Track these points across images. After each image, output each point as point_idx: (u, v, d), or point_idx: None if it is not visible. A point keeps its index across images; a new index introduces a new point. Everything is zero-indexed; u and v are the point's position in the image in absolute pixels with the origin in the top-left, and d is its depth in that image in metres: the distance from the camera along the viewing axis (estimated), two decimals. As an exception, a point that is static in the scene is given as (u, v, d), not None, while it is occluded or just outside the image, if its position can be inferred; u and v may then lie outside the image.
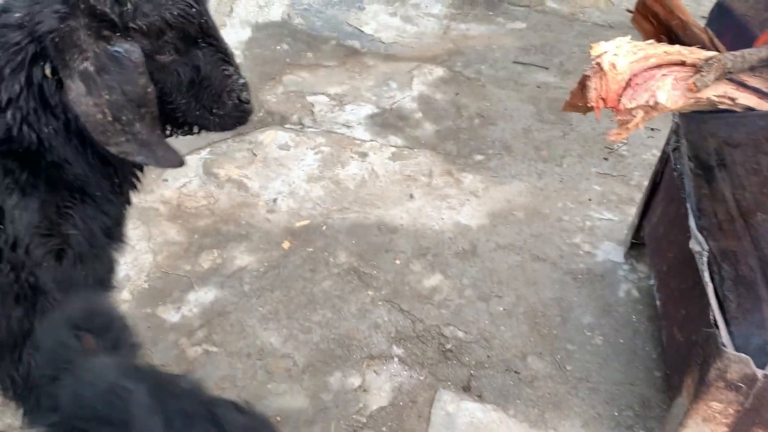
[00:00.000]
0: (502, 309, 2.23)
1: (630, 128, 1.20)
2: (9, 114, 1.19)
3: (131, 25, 1.18)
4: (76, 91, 1.15)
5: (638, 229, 2.32)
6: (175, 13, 1.21)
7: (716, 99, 1.31)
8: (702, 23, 1.74)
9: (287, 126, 2.97)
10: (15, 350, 1.29)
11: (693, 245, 1.64)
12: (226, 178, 2.67)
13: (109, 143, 1.19)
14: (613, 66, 1.23)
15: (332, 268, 2.32)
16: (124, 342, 0.90)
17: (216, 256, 2.34)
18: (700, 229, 1.66)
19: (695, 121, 1.42)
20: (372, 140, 2.93)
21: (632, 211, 2.48)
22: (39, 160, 1.22)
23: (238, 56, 3.30)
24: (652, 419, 1.90)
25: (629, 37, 1.30)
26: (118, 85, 1.17)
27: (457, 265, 2.36)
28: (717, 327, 1.65)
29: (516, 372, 2.03)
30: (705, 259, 1.62)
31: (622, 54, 1.25)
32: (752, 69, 1.38)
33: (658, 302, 2.05)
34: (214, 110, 1.34)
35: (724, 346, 1.56)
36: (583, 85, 1.25)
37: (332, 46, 3.56)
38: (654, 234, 2.16)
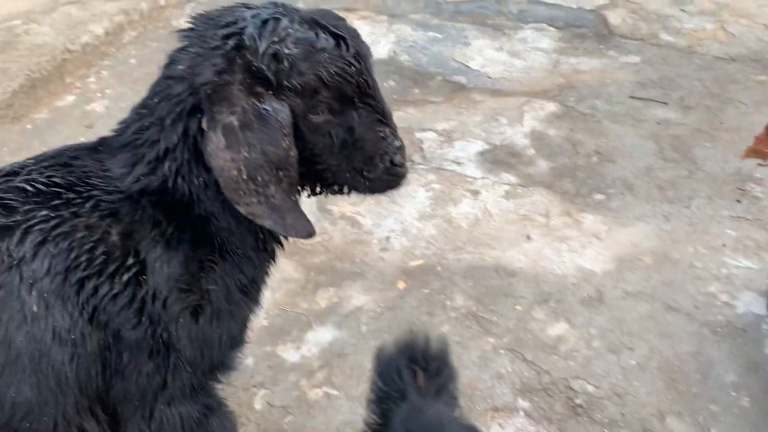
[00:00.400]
0: (634, 362, 2.07)
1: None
2: (166, 165, 1.19)
3: (285, 83, 1.16)
4: (215, 143, 1.12)
5: (787, 279, 2.13)
6: (333, 71, 1.17)
7: None
8: None
9: (398, 163, 2.95)
10: (145, 406, 1.28)
11: None
12: (340, 215, 2.66)
13: (240, 202, 1.15)
14: (806, 110, 1.11)
15: (450, 311, 2.25)
16: (448, 392, 0.90)
17: (332, 294, 2.32)
18: None
19: None
20: (483, 177, 2.86)
21: (775, 259, 2.28)
22: (187, 213, 1.22)
23: (348, 93, 3.34)
24: (818, 498, 1.70)
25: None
26: (259, 144, 1.14)
27: (582, 313, 2.24)
28: None
29: (655, 434, 1.88)
30: None
31: (815, 97, 1.13)
32: None
33: (819, 364, 1.85)
34: (365, 173, 1.28)
35: None
36: (770, 131, 1.13)
37: (438, 81, 3.54)
38: (811, 287, 1.96)
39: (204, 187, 1.20)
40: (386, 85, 3.44)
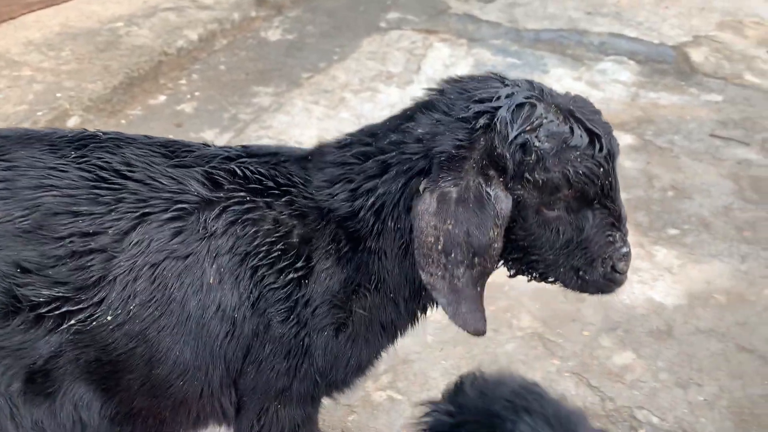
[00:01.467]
0: (702, 399, 2.04)
1: None
2: (370, 200, 1.22)
3: (527, 175, 1.14)
4: (426, 205, 1.12)
5: None
6: (581, 171, 1.14)
7: None
8: None
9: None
10: (265, 401, 1.34)
11: None
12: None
13: (424, 268, 1.14)
14: None
15: (516, 330, 2.26)
16: None
17: (399, 303, 2.37)
18: None
19: None
20: (555, 203, 2.87)
21: None
22: (364, 243, 1.25)
23: (425, 111, 3.41)
24: None
25: None
26: (466, 223, 1.12)
27: (650, 345, 2.21)
28: None
29: (722, 473, 1.84)
30: None
31: None
32: None
33: None
34: (581, 272, 1.25)
35: None
36: None
37: (515, 107, 3.58)
38: None
39: (394, 234, 1.23)
40: (462, 107, 3.51)
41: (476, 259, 1.14)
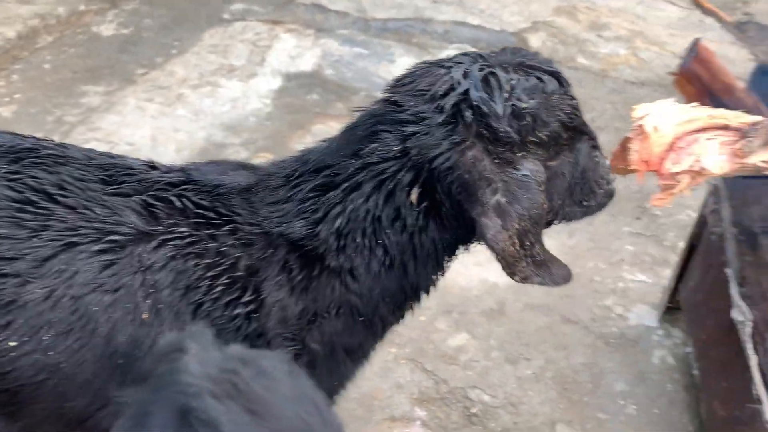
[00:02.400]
0: (530, 372, 2.14)
1: (675, 193, 1.15)
2: (337, 222, 1.17)
3: (530, 138, 1.12)
4: (494, 229, 1.09)
5: (674, 293, 2.23)
6: (568, 111, 1.16)
7: (762, 165, 1.26)
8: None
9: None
10: None
11: (735, 314, 1.56)
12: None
13: (515, 273, 1.14)
14: (656, 128, 1.19)
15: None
16: None
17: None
18: (743, 298, 1.58)
19: (739, 187, 1.36)
20: (399, 192, 2.90)
21: (666, 273, 2.39)
22: (322, 264, 1.19)
23: (268, 105, 3.34)
24: (691, 500, 1.78)
25: (672, 99, 1.26)
26: (527, 211, 1.11)
27: (483, 325, 2.29)
28: (761, 402, 1.55)
29: (544, 441, 1.93)
30: (747, 329, 1.53)
31: (666, 116, 1.21)
32: (801, 135, 1.32)
33: (696, 372, 1.95)
34: (584, 202, 1.27)
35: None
36: (624, 147, 1.21)
37: (362, 97, 3.57)
38: (691, 300, 2.07)
39: (374, 251, 1.18)
40: (309, 99, 3.46)
41: (539, 228, 1.16)
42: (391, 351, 2.16)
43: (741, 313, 1.54)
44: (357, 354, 1.32)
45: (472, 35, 4.14)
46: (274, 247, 1.19)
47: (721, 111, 1.28)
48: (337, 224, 1.18)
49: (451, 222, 1.17)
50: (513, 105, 1.09)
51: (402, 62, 3.85)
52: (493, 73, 1.11)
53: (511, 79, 1.11)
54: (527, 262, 1.14)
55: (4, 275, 1.09)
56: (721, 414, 1.71)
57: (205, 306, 1.17)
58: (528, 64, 1.15)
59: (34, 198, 1.14)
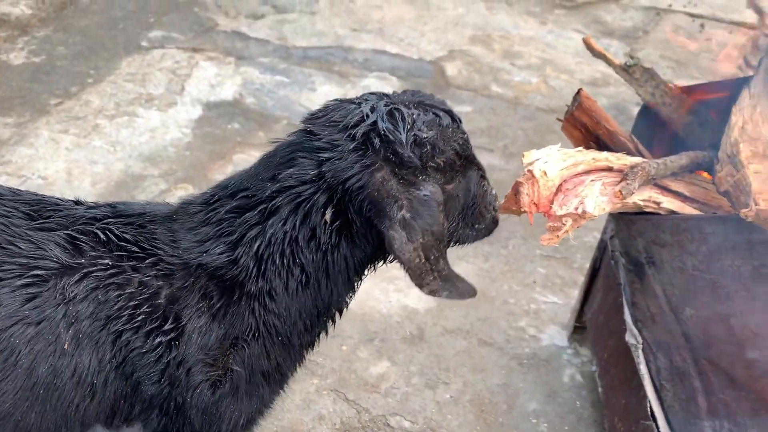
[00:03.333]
0: (449, 396, 2.21)
1: (560, 236, 1.25)
2: (255, 245, 1.25)
3: (430, 164, 1.26)
4: (400, 240, 1.21)
5: (580, 313, 2.37)
6: (460, 142, 1.31)
7: (642, 203, 1.38)
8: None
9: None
10: None
11: (628, 338, 1.68)
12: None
13: (423, 284, 1.26)
14: (544, 173, 1.29)
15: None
16: None
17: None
18: (635, 321, 1.71)
19: (624, 221, 1.49)
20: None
21: (575, 294, 2.53)
22: (242, 291, 1.27)
23: (188, 135, 3.32)
24: None
25: (559, 144, 1.37)
26: (429, 227, 1.24)
27: (404, 351, 2.35)
28: (654, 419, 1.68)
29: (462, 463, 2.00)
30: (640, 351, 1.66)
31: (553, 161, 1.31)
32: (675, 175, 1.46)
33: (600, 389, 2.07)
34: (476, 225, 1.43)
35: (660, 438, 1.58)
36: (515, 191, 1.30)
37: (284, 125, 3.61)
38: (595, 321, 2.21)
39: (291, 270, 1.26)
40: (230, 128, 3.47)
41: (442, 245, 1.29)
42: (313, 382, 2.19)
43: (633, 336, 1.67)
44: (277, 375, 1.40)
45: (391, 64, 4.26)
46: (195, 276, 1.27)
47: (605, 154, 1.40)
48: (255, 247, 1.26)
49: (361, 240, 1.28)
50: (415, 135, 1.24)
51: (323, 90, 3.92)
52: (397, 108, 1.26)
53: (413, 114, 1.26)
54: (434, 276, 1.27)
55: None
56: (621, 430, 1.83)
57: (126, 335, 1.23)
58: (426, 103, 1.32)
59: None
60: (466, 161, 1.34)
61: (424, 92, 1.39)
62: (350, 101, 1.32)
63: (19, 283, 1.18)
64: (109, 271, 1.23)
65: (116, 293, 1.22)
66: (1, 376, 1.17)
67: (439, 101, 1.36)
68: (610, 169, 1.37)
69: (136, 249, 1.26)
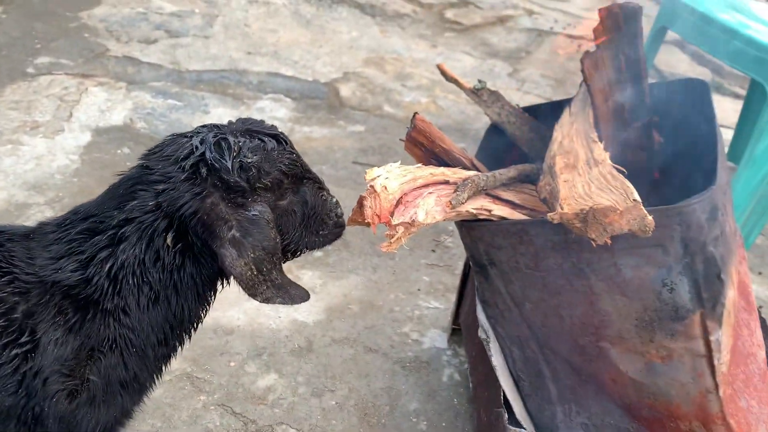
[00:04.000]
0: (334, 403, 2.32)
1: (394, 242, 1.40)
2: (107, 266, 1.35)
3: (257, 185, 1.39)
4: (230, 257, 1.33)
5: (456, 316, 2.55)
6: (287, 162, 1.44)
7: (475, 211, 1.55)
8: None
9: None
10: None
11: (480, 333, 1.86)
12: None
13: (256, 294, 1.38)
14: (385, 188, 1.43)
15: (164, 375, 2.31)
16: None
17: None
18: (488, 318, 1.89)
19: (466, 228, 1.66)
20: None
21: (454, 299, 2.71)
22: (96, 307, 1.36)
23: (76, 161, 3.30)
24: (468, 498, 2.04)
25: (399, 162, 1.53)
26: (259, 243, 1.36)
27: (292, 363, 2.45)
28: (507, 404, 1.85)
29: (345, 465, 2.11)
30: (490, 345, 1.84)
31: (393, 177, 1.46)
32: (505, 185, 1.65)
33: (471, 385, 2.24)
34: (320, 232, 1.58)
35: (512, 419, 1.76)
36: (360, 204, 1.44)
37: (177, 149, 3.64)
38: (466, 321, 2.38)
39: (141, 288, 1.37)
40: (120, 153, 3.47)
41: (275, 258, 1.41)
42: (200, 399, 2.25)
43: (484, 332, 1.84)
44: (135, 385, 1.48)
45: (286, 86, 4.38)
46: (50, 294, 1.35)
47: (441, 169, 1.56)
48: (107, 268, 1.37)
49: (206, 258, 1.40)
50: (240, 161, 1.38)
51: (217, 113, 3.98)
52: (224, 138, 1.40)
53: (239, 142, 1.40)
54: (267, 285, 1.40)
55: None
56: (484, 419, 2.00)
57: None
58: (253, 130, 1.47)
59: None
60: (295, 178, 1.49)
61: (254, 119, 1.54)
62: (183, 135, 1.44)
63: None
64: None
65: None
66: None
67: (268, 126, 1.50)
68: (446, 182, 1.54)
69: None
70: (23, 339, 1.31)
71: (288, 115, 4.08)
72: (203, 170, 1.35)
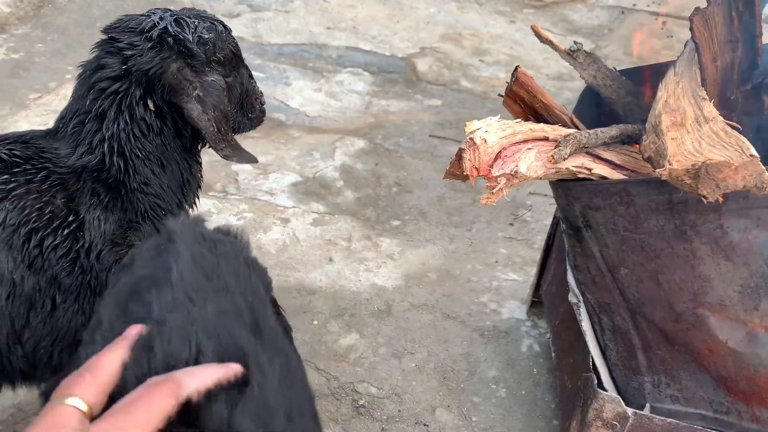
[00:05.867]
0: (414, 365, 2.35)
1: (495, 193, 1.39)
2: (105, 147, 1.51)
3: (213, 58, 1.57)
4: (196, 111, 1.52)
5: (537, 288, 2.52)
6: (233, 44, 1.65)
7: (575, 169, 1.53)
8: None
9: (210, 194, 3.08)
10: (65, 338, 1.50)
11: (571, 298, 1.83)
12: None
13: (218, 149, 1.58)
14: (484, 141, 1.43)
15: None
16: None
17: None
18: (578, 284, 1.86)
19: (562, 188, 1.63)
20: (294, 207, 3.08)
21: (534, 272, 2.68)
22: (123, 186, 1.54)
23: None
24: (549, 464, 2.04)
25: (499, 116, 1.52)
26: (218, 104, 1.56)
27: (372, 325, 2.49)
28: (595, 371, 1.83)
29: (425, 425, 2.14)
30: (581, 309, 1.81)
31: (492, 130, 1.45)
32: (606, 144, 1.61)
33: (553, 355, 2.22)
34: (250, 115, 1.77)
35: (600, 387, 1.73)
36: (459, 157, 1.44)
37: (259, 118, 3.73)
38: (549, 291, 2.36)
39: (143, 160, 1.55)
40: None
41: (229, 122, 1.62)
42: (285, 353, 2.32)
43: (575, 296, 1.82)
44: None
45: (364, 60, 4.40)
46: (82, 180, 1.51)
47: (541, 125, 1.55)
48: (106, 148, 1.52)
49: (176, 119, 1.56)
50: (199, 35, 1.55)
51: (297, 85, 4.05)
52: (181, 18, 1.57)
53: (194, 22, 1.57)
54: (225, 143, 1.59)
55: None
56: (569, 386, 1.98)
57: (38, 235, 1.43)
58: (202, 15, 1.64)
59: None
60: (238, 60, 1.68)
61: (198, 10, 1.70)
62: (138, 15, 1.59)
63: None
64: (10, 185, 1.44)
65: (21, 203, 1.42)
66: None
67: (212, 15, 1.67)
68: (545, 139, 1.52)
69: (29, 166, 1.48)
70: (70, 219, 1.45)
71: (366, 89, 4.11)
72: (169, 39, 1.50)
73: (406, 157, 3.51)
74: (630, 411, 1.67)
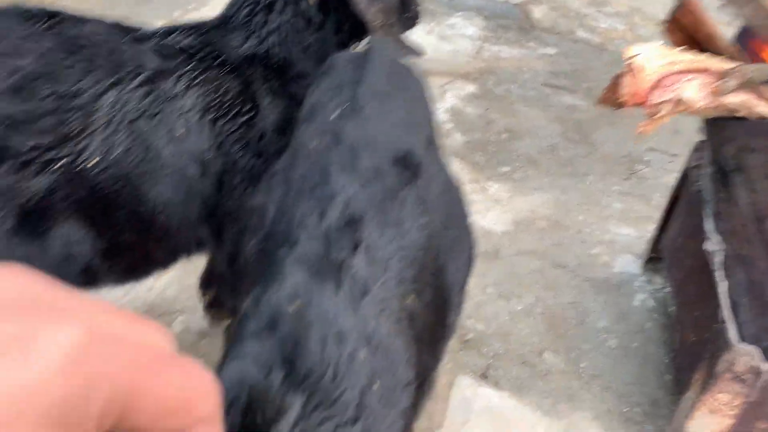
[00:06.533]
0: (520, 308, 2.33)
1: (656, 120, 1.33)
2: (272, 38, 1.57)
3: None
4: (364, 2, 1.55)
5: (656, 243, 2.42)
6: None
7: (736, 106, 1.43)
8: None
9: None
10: (242, 219, 1.59)
11: (708, 245, 1.74)
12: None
13: (366, 12, 1.58)
14: (644, 67, 1.36)
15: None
16: None
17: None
18: (718, 233, 1.76)
19: (717, 126, 1.54)
20: (404, 146, 3.07)
21: (651, 228, 2.57)
22: (284, 73, 1.60)
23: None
24: (660, 417, 1.98)
25: (661, 42, 1.43)
26: None
27: (480, 265, 2.45)
28: (726, 323, 1.74)
29: (532, 365, 2.12)
30: (719, 257, 1.72)
31: (653, 57, 1.38)
32: (771, 82, 1.50)
33: (673, 308, 2.14)
34: (406, 15, 1.73)
35: (733, 339, 1.65)
36: (615, 83, 1.38)
37: (370, 58, 3.72)
38: (672, 245, 2.26)
39: (302, 51, 1.59)
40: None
41: (394, 16, 1.63)
42: (394, 284, 2.35)
43: (713, 244, 1.73)
44: None
45: (476, 4, 4.29)
46: (254, 66, 1.56)
47: (703, 56, 1.45)
48: (272, 40, 1.57)
49: (339, 14, 1.58)
50: None
51: (409, 27, 3.99)
52: None
53: None
54: (387, 32, 1.60)
55: (71, 108, 1.36)
56: (692, 339, 1.90)
57: (220, 121, 1.50)
58: None
59: (75, 46, 1.41)
60: None
61: None
62: None
63: (134, 83, 1.43)
64: (195, 72, 1.50)
65: (205, 89, 1.48)
66: (140, 158, 1.43)
67: None
68: (707, 71, 1.43)
69: (204, 55, 1.54)
70: (247, 107, 1.52)
71: (477, 34, 4.01)
72: None
73: (517, 104, 3.42)
74: (766, 366, 1.59)
